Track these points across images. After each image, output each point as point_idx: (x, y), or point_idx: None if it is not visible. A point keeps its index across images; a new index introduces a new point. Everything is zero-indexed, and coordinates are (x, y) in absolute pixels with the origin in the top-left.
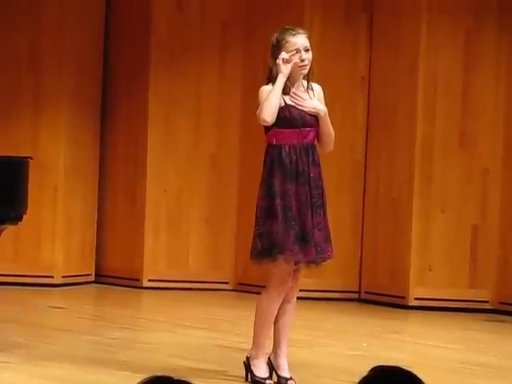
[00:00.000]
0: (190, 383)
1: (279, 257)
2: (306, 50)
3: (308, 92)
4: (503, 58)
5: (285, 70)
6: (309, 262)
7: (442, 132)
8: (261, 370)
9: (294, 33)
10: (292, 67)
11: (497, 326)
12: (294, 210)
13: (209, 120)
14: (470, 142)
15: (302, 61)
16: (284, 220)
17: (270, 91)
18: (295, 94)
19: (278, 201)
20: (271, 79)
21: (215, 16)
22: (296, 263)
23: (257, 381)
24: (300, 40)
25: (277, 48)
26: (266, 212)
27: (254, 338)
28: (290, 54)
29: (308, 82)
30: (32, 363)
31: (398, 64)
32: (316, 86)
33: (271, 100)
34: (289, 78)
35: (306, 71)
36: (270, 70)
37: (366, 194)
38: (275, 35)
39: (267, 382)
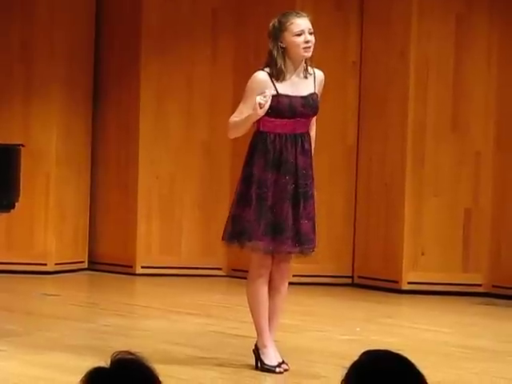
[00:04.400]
0: (130, 367)
1: (247, 244)
2: (310, 33)
3: (307, 78)
4: (494, 42)
5: (260, 113)
6: (288, 253)
7: (433, 116)
8: (270, 357)
9: (298, 15)
10: (294, 51)
11: (490, 310)
12: (271, 199)
13: (201, 106)
14: (462, 125)
15: (307, 42)
16: (257, 209)
17: (241, 121)
18: None
19: (253, 188)
20: (271, 62)
21: (206, 3)
22: (266, 252)
23: (267, 369)
24: (304, 22)
25: (280, 30)
26: (241, 197)
27: (255, 327)
28: (265, 99)
29: (307, 68)
30: (26, 351)
31: (389, 48)
32: (318, 73)
33: (239, 128)
34: (289, 64)
35: (309, 53)
36: (270, 53)
37: (359, 178)
38: (276, 18)
39: (277, 369)
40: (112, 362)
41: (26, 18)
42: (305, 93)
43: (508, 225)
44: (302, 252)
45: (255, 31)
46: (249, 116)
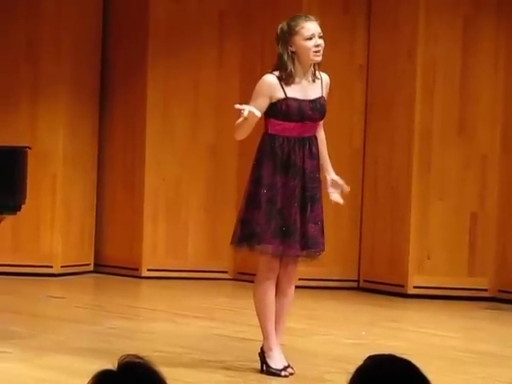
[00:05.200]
0: (138, 370)
1: (257, 247)
2: (320, 37)
3: (315, 81)
4: (501, 45)
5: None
6: (296, 256)
7: (440, 119)
8: (276, 361)
9: (307, 19)
10: (304, 55)
11: (496, 314)
12: (280, 203)
13: (207, 109)
14: (469, 128)
15: (317, 46)
16: (267, 211)
17: (240, 125)
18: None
19: (263, 191)
20: (280, 66)
21: (213, 5)
22: (274, 256)
23: (272, 372)
24: (314, 26)
25: (289, 34)
26: (251, 200)
27: (261, 330)
28: (256, 112)
29: (315, 71)
30: (31, 353)
31: (396, 51)
32: (325, 76)
33: (241, 130)
34: (298, 67)
35: (319, 58)
36: (280, 57)
37: (365, 181)
38: (285, 22)
39: (282, 373)
40: (120, 365)
41: (32, 17)
42: (313, 96)
43: None
44: (308, 255)
45: (262, 34)
46: (245, 124)
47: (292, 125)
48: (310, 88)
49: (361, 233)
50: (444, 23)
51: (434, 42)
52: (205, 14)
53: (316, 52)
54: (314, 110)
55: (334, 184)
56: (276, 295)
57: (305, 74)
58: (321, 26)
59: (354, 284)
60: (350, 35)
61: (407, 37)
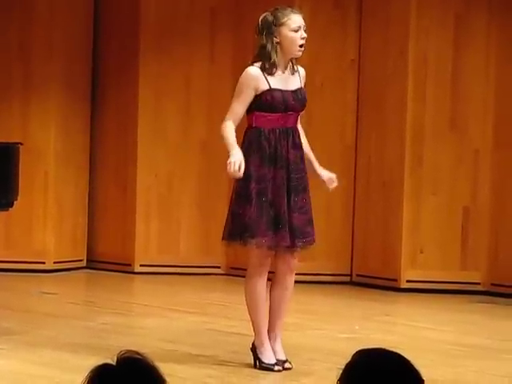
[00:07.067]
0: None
1: (250, 241)
2: (304, 30)
3: (293, 74)
4: (493, 41)
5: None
6: (287, 247)
7: (432, 114)
8: (268, 356)
9: (294, 11)
10: (288, 46)
11: (488, 308)
12: (270, 194)
13: (199, 105)
14: (461, 123)
15: (303, 38)
16: (258, 205)
17: (225, 143)
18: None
19: (253, 185)
20: (263, 56)
21: (204, 2)
22: (269, 248)
23: (265, 367)
24: (300, 19)
25: (275, 25)
26: (241, 194)
27: (252, 325)
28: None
29: (293, 65)
30: (24, 349)
31: (387, 47)
32: (302, 70)
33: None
34: (281, 58)
35: (301, 53)
36: (263, 47)
37: (357, 176)
38: (269, 12)
39: (275, 367)
40: (119, 360)
41: (24, 17)
42: (294, 87)
43: (506, 223)
44: (295, 245)
45: (253, 30)
46: (232, 154)
47: (277, 116)
48: (290, 79)
49: (353, 227)
50: (435, 19)
51: (425, 38)
52: (196, 11)
53: (300, 45)
54: (296, 101)
55: (329, 181)
56: (276, 290)
57: (285, 66)
58: (311, 20)
59: (347, 278)
60: (341, 30)
61: (399, 33)
